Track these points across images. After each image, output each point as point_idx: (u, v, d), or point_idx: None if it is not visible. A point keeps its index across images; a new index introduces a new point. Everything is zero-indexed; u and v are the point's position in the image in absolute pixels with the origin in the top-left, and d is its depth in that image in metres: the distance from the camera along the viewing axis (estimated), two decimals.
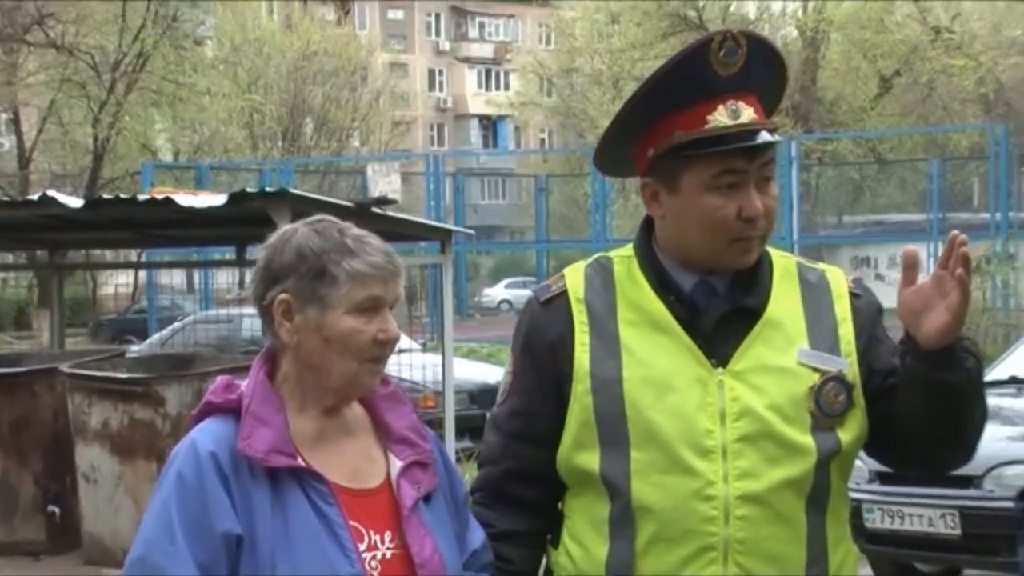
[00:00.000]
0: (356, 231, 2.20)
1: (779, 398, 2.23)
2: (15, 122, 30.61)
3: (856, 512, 6.53)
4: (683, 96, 2.24)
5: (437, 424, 9.39)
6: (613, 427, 2.25)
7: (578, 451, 2.28)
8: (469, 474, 9.56)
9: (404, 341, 11.15)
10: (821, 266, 2.40)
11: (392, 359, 8.63)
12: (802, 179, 24.91)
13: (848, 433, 2.27)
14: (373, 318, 2.16)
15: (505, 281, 40.63)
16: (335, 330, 2.13)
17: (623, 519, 2.24)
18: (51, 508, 7.51)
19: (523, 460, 2.34)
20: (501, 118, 56.53)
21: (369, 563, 2.11)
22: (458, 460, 9.60)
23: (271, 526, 2.08)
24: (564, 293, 2.34)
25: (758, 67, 2.25)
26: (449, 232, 9.49)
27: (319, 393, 2.18)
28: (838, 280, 2.36)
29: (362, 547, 2.12)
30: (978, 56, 27.95)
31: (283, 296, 2.14)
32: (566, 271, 2.40)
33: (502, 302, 37.71)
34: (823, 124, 30.83)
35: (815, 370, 2.25)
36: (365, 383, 2.19)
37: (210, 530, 2.05)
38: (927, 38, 29.68)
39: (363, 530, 2.13)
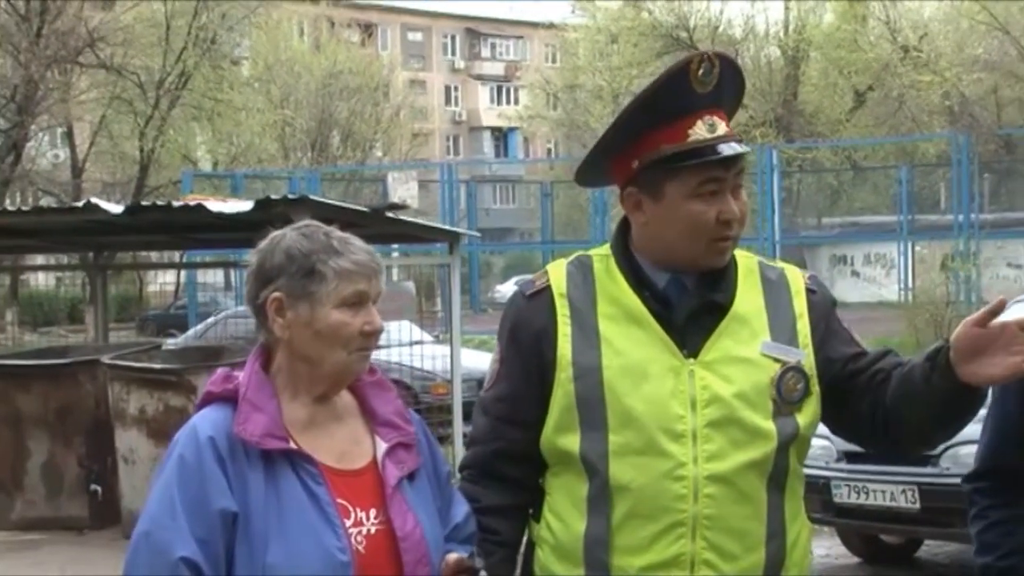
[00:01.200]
0: (340, 233, 2.19)
1: (745, 386, 2.23)
2: (69, 136, 30.63)
3: (825, 488, 6.50)
4: (667, 112, 2.25)
5: (447, 410, 9.39)
6: (593, 412, 2.25)
7: (560, 434, 2.28)
8: None
9: (417, 333, 11.17)
10: (780, 265, 2.41)
11: (406, 350, 8.64)
12: (784, 185, 24.85)
13: (805, 418, 2.28)
14: (359, 311, 2.15)
15: (514, 279, 40.41)
16: (325, 324, 2.12)
17: (600, 496, 2.24)
18: (93, 487, 7.54)
19: (509, 441, 2.34)
20: (511, 130, 56.47)
21: (355, 538, 2.10)
22: (466, 443, 9.59)
23: (264, 504, 2.07)
24: (548, 288, 2.34)
25: (728, 85, 2.27)
26: (457, 234, 9.48)
27: (311, 382, 2.17)
28: (796, 278, 2.36)
29: (348, 523, 2.11)
30: (944, 72, 27.83)
31: (275, 294, 2.14)
32: (549, 268, 2.40)
33: None
34: (803, 134, 30.73)
35: (776, 360, 2.25)
36: (355, 369, 2.18)
37: (208, 508, 2.05)
38: (897, 56, 29.58)
39: (350, 507, 2.12)
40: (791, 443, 2.26)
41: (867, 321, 17.87)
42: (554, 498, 2.32)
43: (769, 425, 2.23)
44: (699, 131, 2.23)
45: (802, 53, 32.00)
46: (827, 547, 7.47)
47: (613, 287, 2.30)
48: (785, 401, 2.24)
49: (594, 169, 2.41)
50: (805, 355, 2.27)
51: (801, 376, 2.26)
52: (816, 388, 2.29)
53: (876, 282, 26.15)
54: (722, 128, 2.24)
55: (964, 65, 28.38)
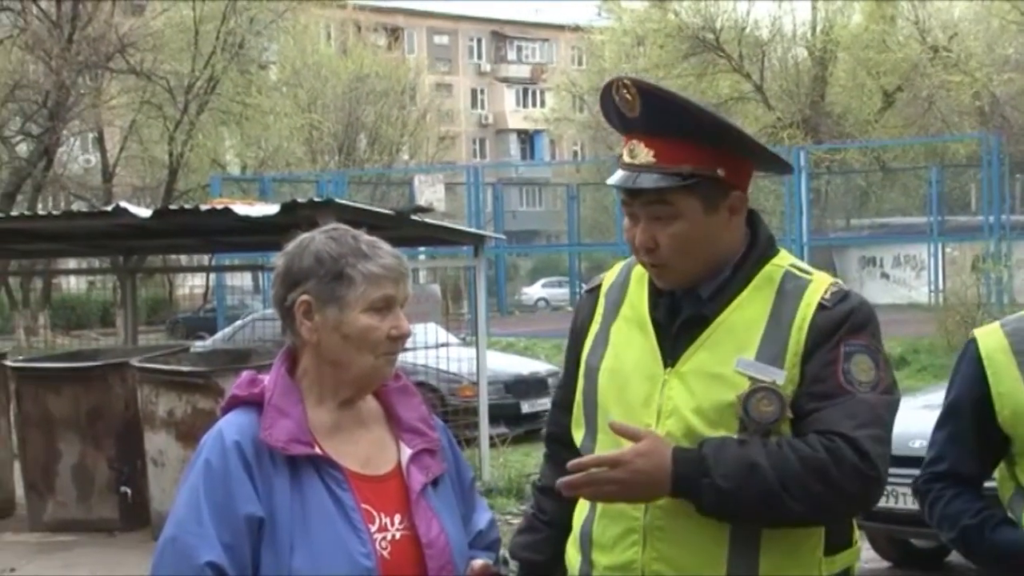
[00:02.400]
0: (368, 237, 2.18)
1: (704, 402, 2.18)
2: (100, 140, 30.86)
3: None
4: (617, 127, 2.29)
5: (474, 412, 9.39)
6: (591, 411, 2.32)
7: (575, 426, 2.38)
8: (504, 458, 9.61)
9: (443, 336, 11.16)
10: (811, 276, 2.26)
11: (432, 352, 8.63)
12: (812, 186, 24.74)
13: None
14: (387, 316, 2.14)
15: (541, 281, 40.56)
16: (353, 327, 2.12)
17: None
18: (123, 489, 7.58)
19: (558, 425, 2.45)
20: (537, 132, 56.49)
21: (380, 543, 2.09)
22: (493, 445, 9.59)
23: (290, 509, 2.07)
24: (599, 286, 2.41)
25: (657, 112, 2.17)
26: (482, 237, 9.48)
27: (337, 386, 2.16)
28: (815, 290, 2.22)
29: (373, 528, 2.10)
30: (974, 72, 27.63)
31: (304, 297, 2.13)
32: (614, 265, 2.46)
33: (539, 300, 37.63)
34: (831, 135, 30.57)
35: (749, 379, 2.16)
36: (382, 374, 2.18)
37: (234, 513, 2.04)
38: (927, 56, 29.38)
39: (375, 513, 2.12)
40: None
41: (897, 323, 17.76)
42: None
43: None
44: (624, 154, 2.23)
45: (830, 54, 31.83)
46: None
47: (638, 292, 2.32)
48: (755, 421, 2.14)
49: None
50: (787, 376, 2.15)
51: (775, 398, 2.14)
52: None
53: (906, 284, 26.00)
54: (643, 156, 2.19)
55: (995, 65, 28.17)
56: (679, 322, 2.25)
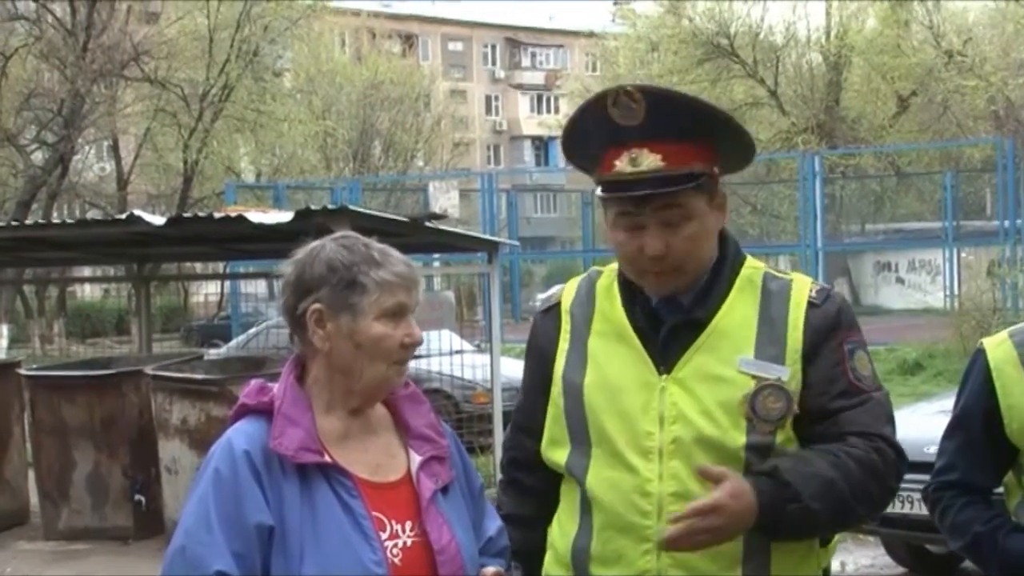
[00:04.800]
0: (379, 245, 2.18)
1: (711, 404, 2.19)
2: (115, 148, 30.93)
3: None
4: (593, 144, 2.24)
5: (488, 419, 9.37)
6: (577, 426, 2.28)
7: (551, 446, 2.34)
8: None
9: (458, 342, 11.15)
10: (789, 276, 2.32)
11: (447, 359, 8.59)
12: (827, 191, 24.65)
13: (787, 436, 2.20)
14: (399, 323, 2.14)
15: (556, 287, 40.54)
16: (366, 335, 2.11)
17: (585, 507, 2.28)
18: (137, 497, 7.58)
19: (522, 450, 2.43)
20: (552, 138, 56.40)
21: (391, 551, 2.09)
22: None
23: (300, 518, 2.07)
24: (558, 304, 2.38)
25: (664, 116, 2.16)
26: (496, 244, 9.47)
27: (347, 395, 2.15)
28: (800, 289, 2.26)
29: (384, 536, 2.10)
30: (989, 77, 27.50)
31: (316, 305, 2.12)
32: (567, 284, 2.43)
33: None
34: (846, 140, 30.48)
35: (753, 377, 2.18)
36: (393, 383, 2.17)
37: (244, 522, 2.04)
38: (941, 61, 29.26)
39: (385, 520, 2.11)
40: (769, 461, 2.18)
41: (912, 328, 17.68)
42: (562, 505, 2.36)
43: (737, 443, 2.17)
44: (622, 164, 2.19)
45: (844, 59, 31.73)
46: (872, 557, 7.39)
47: (608, 304, 2.32)
48: (762, 419, 2.17)
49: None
50: (791, 372, 2.19)
51: (781, 394, 2.17)
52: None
53: (921, 289, 25.90)
54: (650, 162, 2.17)
55: (1010, 69, 28.03)
56: (667, 328, 2.24)
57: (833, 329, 2.23)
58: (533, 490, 2.40)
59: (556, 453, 2.32)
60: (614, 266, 2.37)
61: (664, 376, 2.22)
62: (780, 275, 2.31)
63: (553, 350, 2.34)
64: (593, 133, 2.24)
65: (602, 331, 2.30)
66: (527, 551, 2.38)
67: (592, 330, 2.31)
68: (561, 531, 2.33)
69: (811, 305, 2.24)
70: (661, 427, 2.20)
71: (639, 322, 2.27)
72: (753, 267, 2.31)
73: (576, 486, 2.29)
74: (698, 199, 2.20)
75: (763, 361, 2.19)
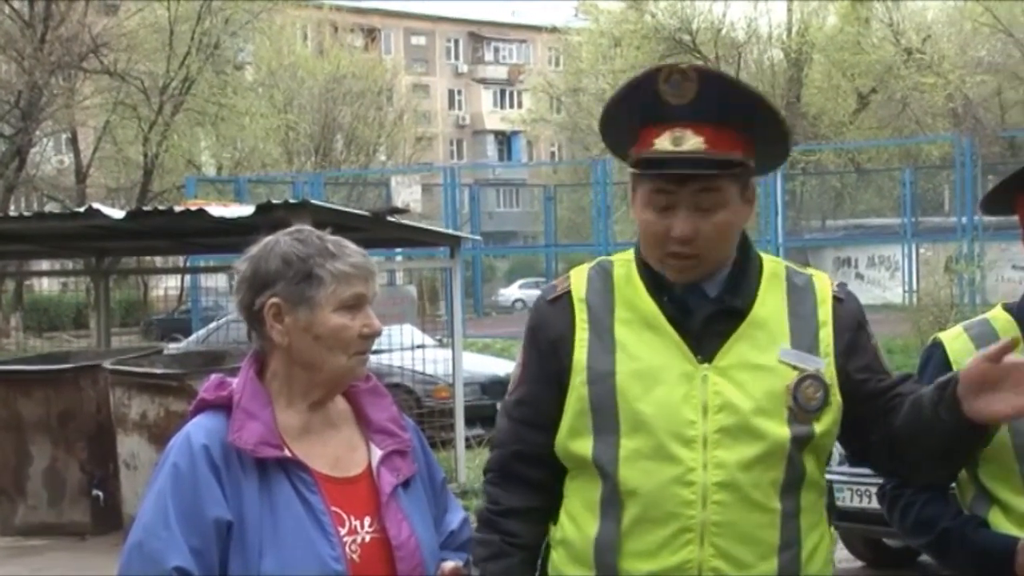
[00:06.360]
0: (333, 237, 2.17)
1: (758, 393, 2.19)
2: (73, 141, 30.63)
3: (828, 491, 6.45)
4: (636, 120, 2.22)
5: (450, 413, 9.38)
6: (606, 416, 2.22)
7: (573, 438, 2.26)
8: (480, 459, 9.59)
9: (419, 337, 11.14)
10: (809, 271, 2.35)
11: (408, 354, 8.57)
12: (788, 187, 24.82)
13: (823, 427, 2.22)
14: (357, 314, 2.13)
15: (519, 282, 40.50)
16: (325, 327, 2.11)
17: (612, 500, 2.21)
18: (95, 492, 7.53)
19: (528, 444, 2.31)
20: (515, 133, 56.48)
21: (350, 546, 2.09)
22: (469, 446, 9.57)
23: (259, 512, 2.06)
24: (568, 293, 2.32)
25: (714, 99, 2.16)
26: (458, 238, 9.48)
27: (308, 388, 2.15)
28: (824, 285, 2.30)
29: (343, 531, 2.09)
30: (947, 74, 27.78)
31: (273, 300, 2.11)
32: (572, 273, 2.39)
33: (516, 301, 37.58)
34: (807, 137, 30.68)
35: (794, 368, 2.20)
36: (355, 373, 2.17)
37: (202, 517, 2.03)
38: (900, 58, 29.53)
39: (344, 515, 2.11)
40: (806, 452, 2.21)
41: (872, 323, 17.79)
42: (571, 501, 2.30)
43: (783, 433, 2.18)
44: (663, 142, 2.18)
45: (805, 55, 31.96)
46: None
47: (631, 292, 2.28)
48: (802, 409, 2.19)
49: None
50: (825, 364, 2.22)
51: (820, 385, 2.20)
52: (836, 398, 2.23)
53: (880, 284, 26.09)
54: (693, 143, 2.16)
55: (967, 67, 28.34)
56: (702, 317, 2.23)
57: (861, 324, 2.31)
58: (540, 484, 2.33)
59: (578, 445, 2.25)
60: (626, 256, 2.35)
61: (705, 365, 2.21)
62: (800, 270, 2.34)
63: (568, 340, 2.28)
64: (637, 108, 2.22)
65: (628, 319, 2.26)
66: (534, 544, 2.34)
67: (617, 318, 2.27)
68: (576, 528, 2.27)
69: (836, 300, 2.29)
70: (704, 416, 2.18)
71: (668, 311, 2.25)
72: (773, 261, 2.33)
73: (597, 479, 2.23)
74: (734, 187, 2.21)
75: (801, 352, 2.22)
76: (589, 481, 2.25)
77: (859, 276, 28.14)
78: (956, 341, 2.43)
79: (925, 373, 2.46)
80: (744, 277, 2.26)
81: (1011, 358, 2.04)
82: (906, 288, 21.80)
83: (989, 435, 2.28)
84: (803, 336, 2.23)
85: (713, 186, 2.19)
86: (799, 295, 2.27)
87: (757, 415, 2.18)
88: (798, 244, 25.16)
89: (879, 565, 7.34)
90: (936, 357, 2.44)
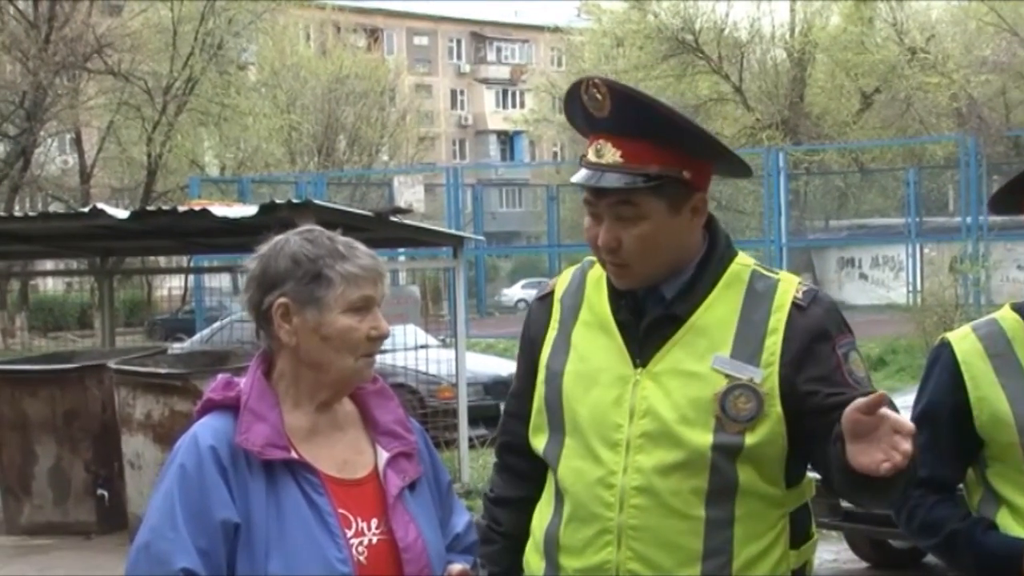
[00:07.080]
0: (344, 238, 2.17)
1: (681, 400, 2.18)
2: (77, 141, 30.66)
3: (833, 493, 6.44)
4: (580, 128, 2.27)
5: (453, 414, 9.37)
6: (555, 415, 2.30)
7: (535, 433, 2.36)
8: (484, 460, 9.59)
9: (423, 337, 11.14)
10: (778, 275, 2.28)
11: (412, 354, 8.56)
12: (791, 187, 24.76)
13: (756, 438, 2.16)
14: (365, 316, 2.13)
15: (522, 282, 40.48)
16: (333, 329, 2.10)
17: (558, 496, 2.29)
18: (100, 492, 7.55)
19: (514, 435, 2.42)
20: (517, 133, 56.47)
21: (356, 548, 2.08)
22: (472, 447, 9.57)
23: (266, 514, 2.05)
24: (551, 293, 2.38)
25: (631, 112, 2.16)
26: (461, 238, 9.48)
27: (315, 389, 2.14)
28: (785, 290, 2.23)
29: (350, 533, 2.09)
30: (951, 74, 27.74)
31: (281, 300, 2.11)
32: (563, 272, 2.43)
33: (519, 301, 37.56)
34: (810, 137, 30.66)
35: (726, 376, 2.17)
36: (362, 375, 2.16)
37: (210, 518, 2.02)
38: (904, 58, 29.48)
39: (351, 517, 2.10)
40: (740, 462, 2.16)
41: (875, 324, 17.79)
42: (544, 493, 2.37)
43: (704, 441, 2.15)
44: (590, 153, 2.21)
45: (808, 55, 31.91)
46: (835, 552, 7.44)
47: (596, 295, 2.31)
48: (731, 419, 2.15)
49: None
50: (764, 374, 2.16)
51: (752, 395, 2.15)
52: (775, 409, 2.16)
53: (884, 284, 26.06)
54: (611, 156, 2.17)
55: (972, 67, 28.28)
56: (647, 322, 2.24)
57: (823, 333, 2.20)
58: (527, 475, 2.40)
59: (537, 440, 2.34)
60: None
61: (639, 370, 2.22)
62: (769, 274, 2.28)
63: (542, 338, 2.35)
64: (576, 118, 2.26)
65: (587, 321, 2.30)
66: (515, 533, 2.39)
67: (578, 319, 2.31)
68: (539, 518, 2.34)
69: (796, 307, 2.21)
70: (631, 420, 2.20)
71: (621, 314, 2.27)
72: (742, 264, 2.28)
73: (552, 474, 2.32)
74: (655, 201, 2.18)
75: (738, 361, 2.17)
76: (551, 475, 2.33)
77: (863, 276, 28.13)
78: (964, 341, 2.41)
79: (932, 373, 2.45)
80: (699, 281, 2.24)
81: (883, 411, 1.94)
82: (910, 288, 21.76)
83: (981, 441, 2.27)
84: (747, 344, 2.18)
85: (629, 200, 2.18)
86: (755, 301, 2.22)
87: (680, 423, 2.17)
88: (802, 244, 25.13)
89: (884, 566, 7.33)
90: (944, 357, 2.42)
